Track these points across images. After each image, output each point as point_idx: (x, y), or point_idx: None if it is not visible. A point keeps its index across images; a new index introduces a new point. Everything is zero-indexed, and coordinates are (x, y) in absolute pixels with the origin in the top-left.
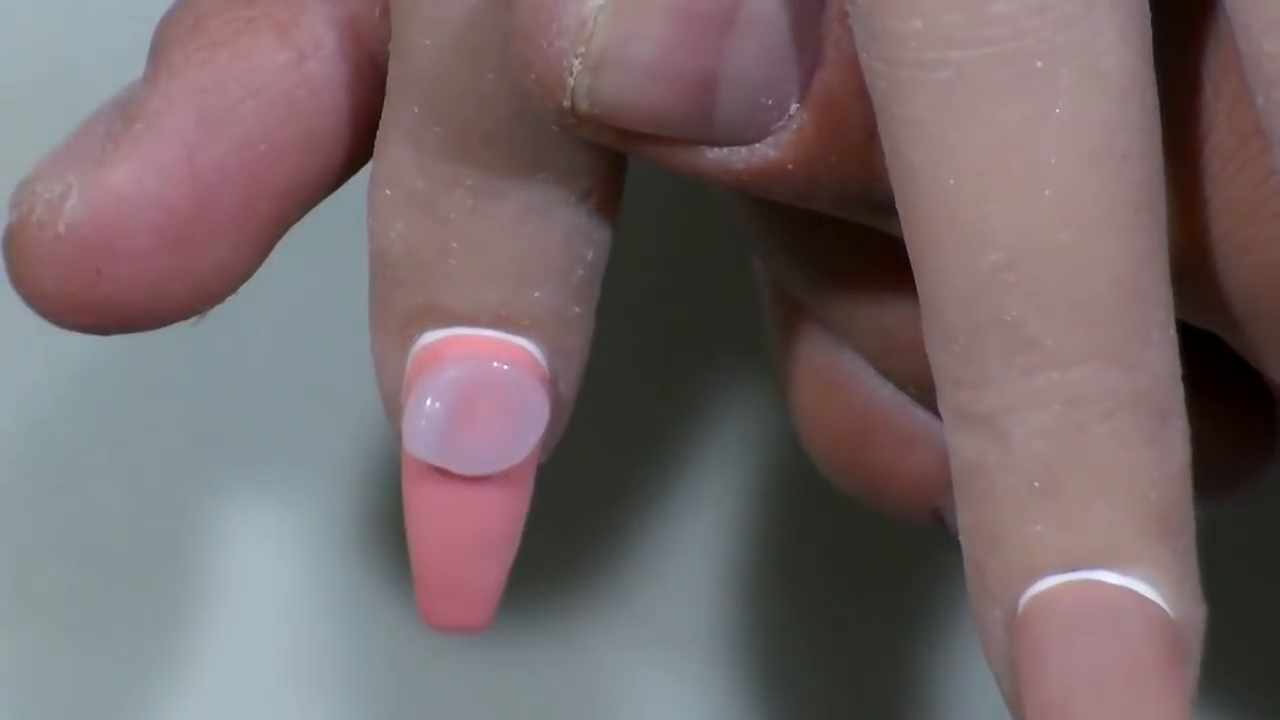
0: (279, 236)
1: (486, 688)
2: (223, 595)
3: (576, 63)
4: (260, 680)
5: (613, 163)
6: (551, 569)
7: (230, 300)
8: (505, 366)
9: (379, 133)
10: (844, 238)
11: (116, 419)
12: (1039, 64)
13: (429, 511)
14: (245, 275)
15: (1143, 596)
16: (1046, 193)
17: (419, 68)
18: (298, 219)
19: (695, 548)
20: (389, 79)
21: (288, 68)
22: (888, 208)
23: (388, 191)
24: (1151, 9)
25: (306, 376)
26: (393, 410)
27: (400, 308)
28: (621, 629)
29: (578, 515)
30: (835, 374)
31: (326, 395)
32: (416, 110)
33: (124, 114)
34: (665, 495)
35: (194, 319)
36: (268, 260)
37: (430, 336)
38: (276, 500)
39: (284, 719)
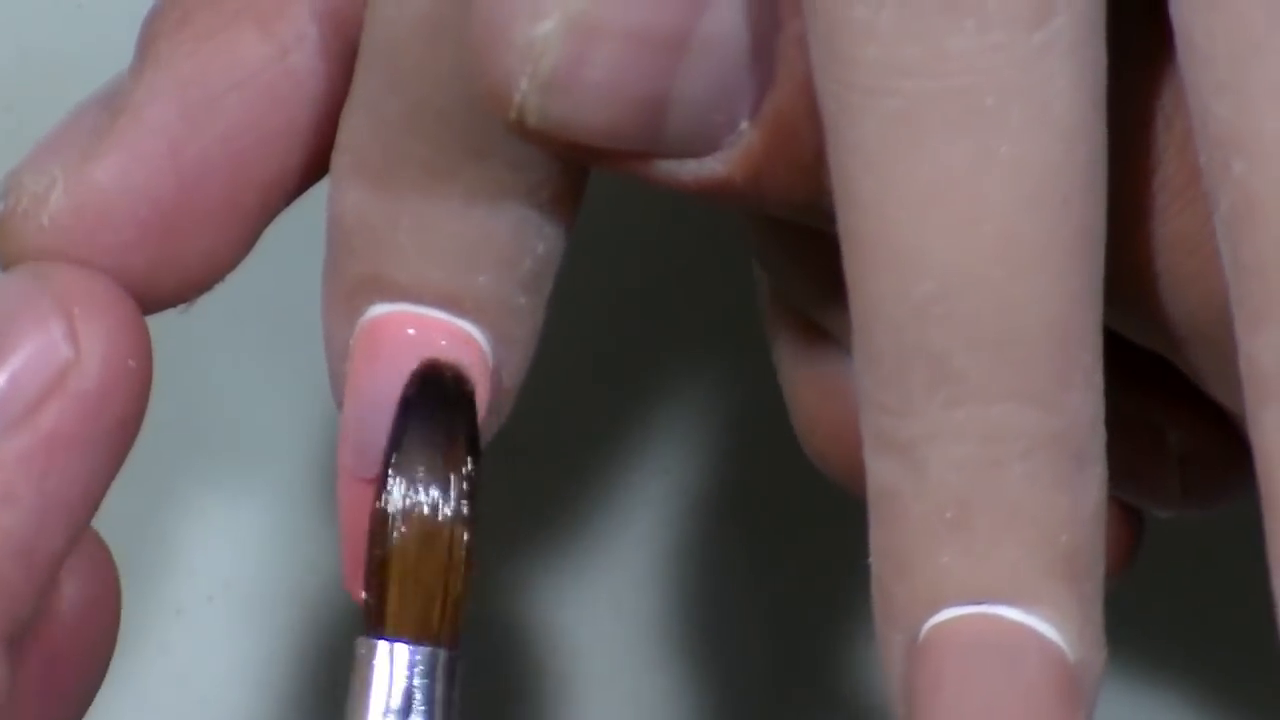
0: (264, 227)
1: (475, 682)
2: (220, 591)
3: (524, 81)
4: (256, 675)
5: (569, 163)
6: (530, 559)
7: (229, 295)
8: (447, 347)
9: (346, 100)
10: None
11: None
12: (989, 102)
13: (359, 487)
14: (230, 265)
15: (1042, 635)
16: (984, 229)
17: (384, 38)
18: (282, 209)
19: (675, 542)
20: (359, 48)
21: (270, 60)
22: (834, 219)
23: (347, 158)
24: (1110, 47)
25: (304, 371)
26: (336, 376)
27: (349, 277)
28: (605, 625)
29: (558, 510)
30: (833, 376)
31: (325, 390)
32: (378, 80)
33: (109, 107)
34: (650, 488)
35: (181, 307)
36: (260, 256)
37: (377, 310)
38: (273, 494)
39: (281, 711)
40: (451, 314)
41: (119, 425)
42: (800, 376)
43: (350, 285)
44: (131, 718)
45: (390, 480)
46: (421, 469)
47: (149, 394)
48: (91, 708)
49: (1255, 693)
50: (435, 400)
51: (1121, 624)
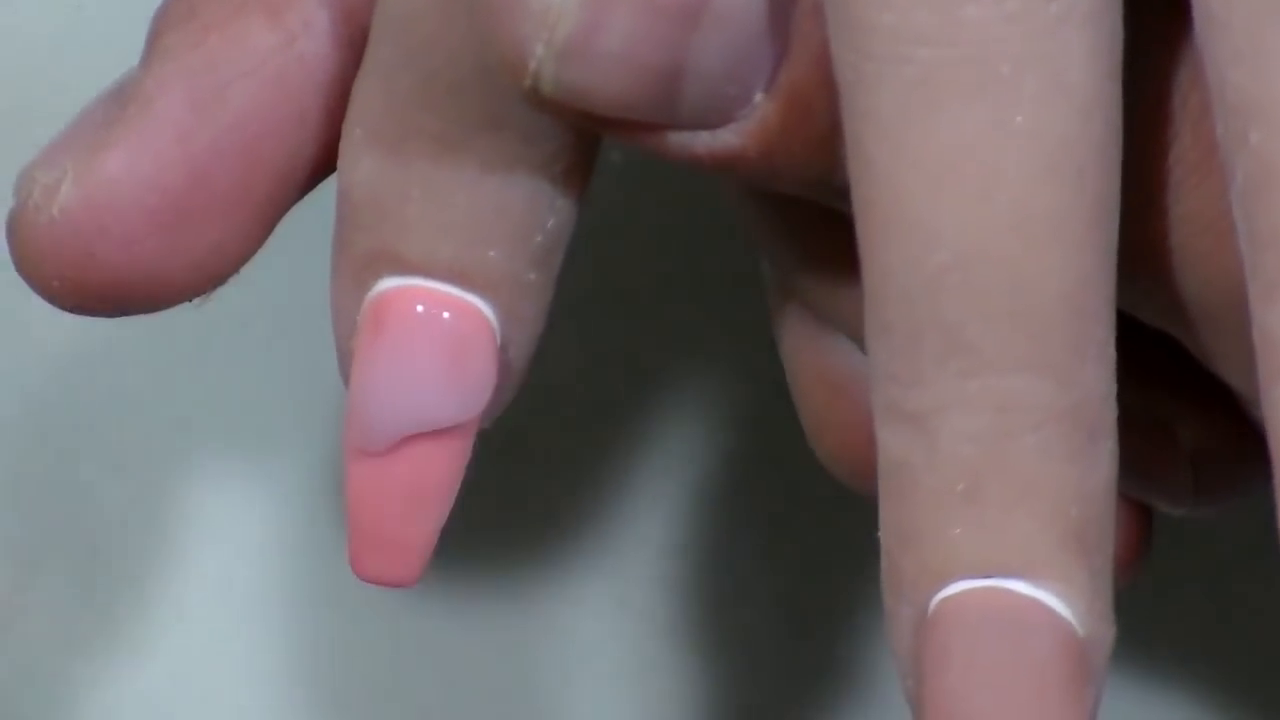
0: (278, 217)
1: (478, 683)
2: (221, 591)
3: (540, 48)
4: (258, 673)
5: (581, 134)
6: (535, 557)
7: (232, 293)
8: (455, 322)
9: (358, 73)
10: (851, 239)
11: (114, 415)
12: (1005, 70)
13: (365, 464)
14: (245, 256)
15: (1052, 610)
16: (999, 199)
17: (396, 7)
18: (297, 199)
19: (680, 540)
20: (373, 18)
21: (278, 48)
22: (848, 194)
23: (358, 131)
24: (1126, 19)
25: (306, 369)
26: (344, 354)
27: (358, 251)
28: (609, 624)
29: (562, 508)
30: (841, 375)
31: (328, 389)
32: (391, 51)
33: (118, 99)
34: (655, 486)
35: (198, 300)
36: (263, 252)
37: (385, 284)
38: (275, 494)
39: (282, 711)
40: (461, 289)
41: None
42: (807, 375)
43: (359, 260)
44: (131, 718)
45: None
46: None
47: None
48: (91, 709)
49: (1258, 694)
50: None
51: (1125, 623)
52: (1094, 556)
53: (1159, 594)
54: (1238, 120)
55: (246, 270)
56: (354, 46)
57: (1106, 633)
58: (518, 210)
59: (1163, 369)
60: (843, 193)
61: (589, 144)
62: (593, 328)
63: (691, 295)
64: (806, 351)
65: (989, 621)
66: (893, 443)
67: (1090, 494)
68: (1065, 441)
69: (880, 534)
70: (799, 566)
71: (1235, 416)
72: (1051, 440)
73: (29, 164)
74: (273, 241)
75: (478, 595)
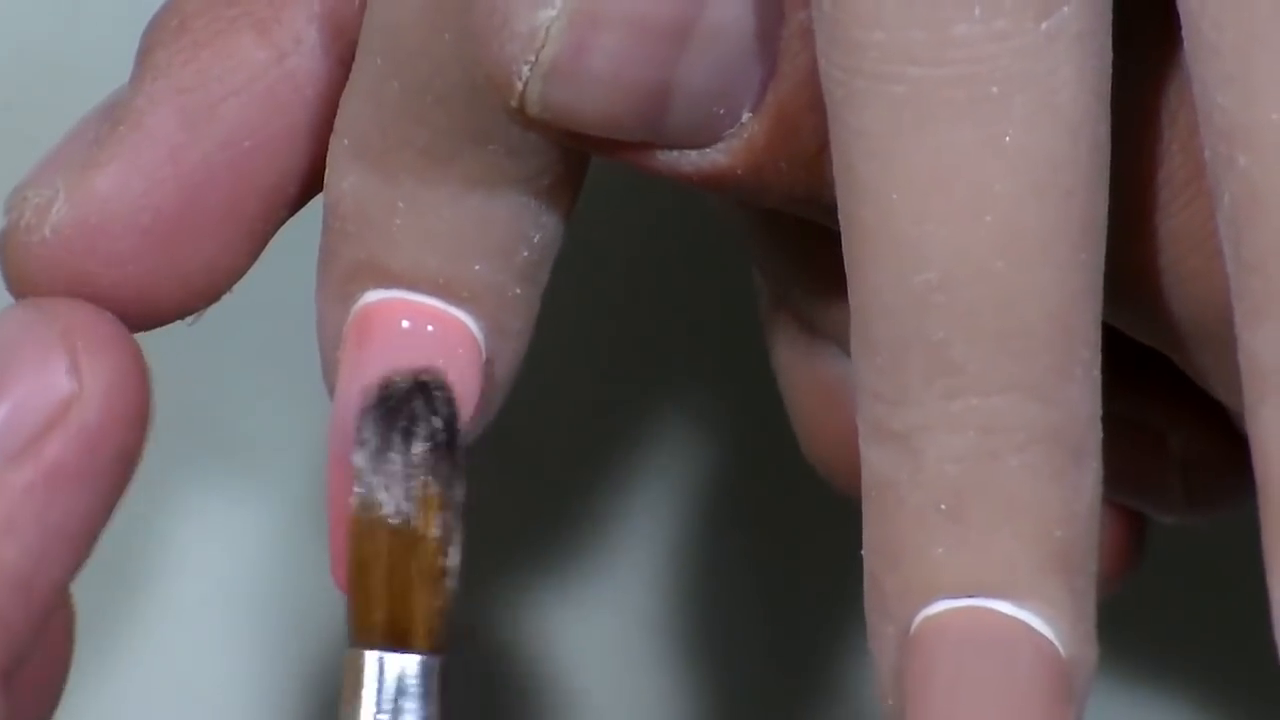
0: (270, 234)
1: (473, 683)
2: (217, 592)
3: (526, 69)
4: (254, 677)
5: (569, 150)
6: (530, 559)
7: (225, 299)
8: (440, 336)
9: (346, 85)
10: (841, 252)
11: None
12: (994, 90)
13: (348, 479)
14: (237, 273)
15: (1034, 630)
16: (987, 218)
17: (385, 18)
18: (289, 216)
19: (674, 542)
20: (361, 29)
21: (269, 64)
22: (835, 211)
23: (345, 142)
24: (1115, 39)
25: (302, 376)
26: (329, 364)
27: (344, 262)
28: (604, 625)
29: (557, 510)
30: (834, 381)
31: (320, 395)
32: (379, 62)
33: (109, 117)
34: (649, 489)
35: (190, 318)
36: (261, 257)
37: (370, 296)
38: (273, 497)
39: (279, 712)
40: (446, 302)
41: (119, 459)
42: (800, 383)
43: (345, 271)
44: (129, 718)
45: (360, 488)
46: (388, 475)
47: (148, 429)
48: (90, 708)
49: (1253, 696)
50: (402, 406)
51: (1120, 627)
52: (1077, 577)
53: (1158, 596)
54: (1225, 144)
55: (250, 279)
56: (344, 63)
57: (1089, 653)
58: (503, 224)
59: (1154, 377)
60: (830, 210)
61: (577, 160)
62: (586, 334)
63: (685, 303)
64: (798, 359)
65: (971, 641)
66: (877, 461)
67: (1074, 514)
68: (1050, 462)
69: (864, 552)
70: (792, 569)
71: (1227, 425)
72: (1036, 461)
73: (20, 183)
74: (271, 246)
75: (473, 598)
